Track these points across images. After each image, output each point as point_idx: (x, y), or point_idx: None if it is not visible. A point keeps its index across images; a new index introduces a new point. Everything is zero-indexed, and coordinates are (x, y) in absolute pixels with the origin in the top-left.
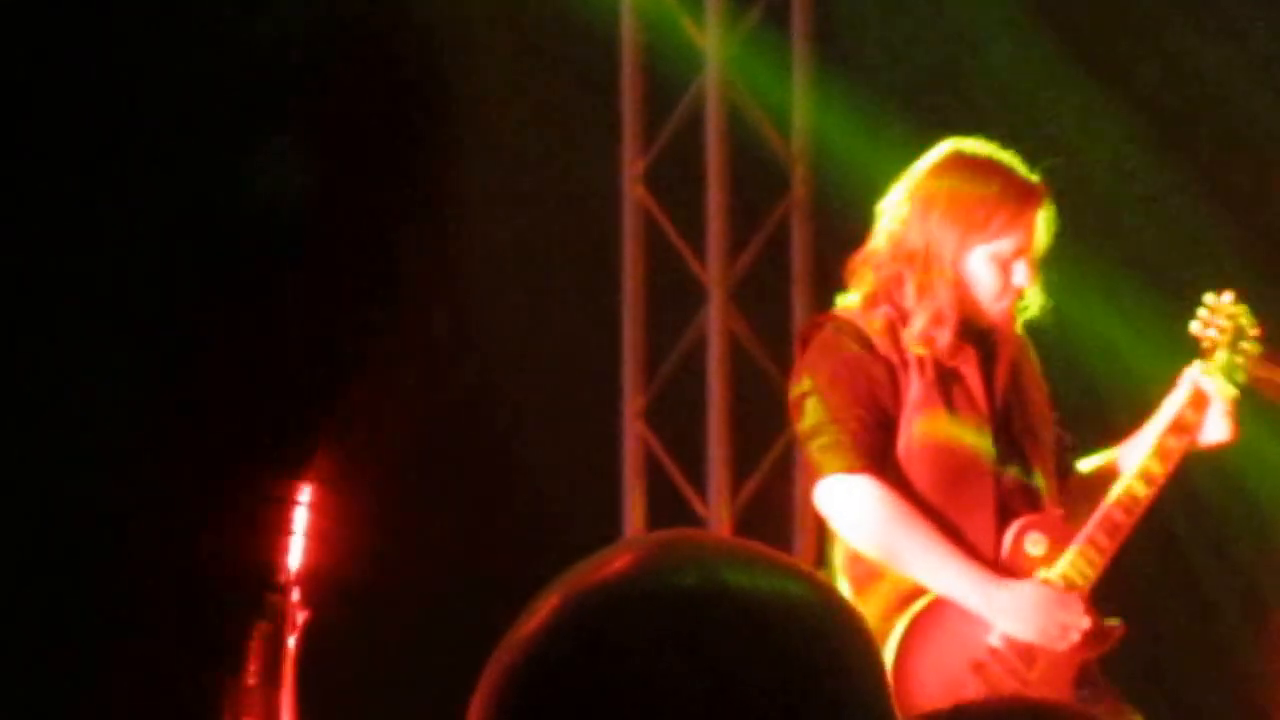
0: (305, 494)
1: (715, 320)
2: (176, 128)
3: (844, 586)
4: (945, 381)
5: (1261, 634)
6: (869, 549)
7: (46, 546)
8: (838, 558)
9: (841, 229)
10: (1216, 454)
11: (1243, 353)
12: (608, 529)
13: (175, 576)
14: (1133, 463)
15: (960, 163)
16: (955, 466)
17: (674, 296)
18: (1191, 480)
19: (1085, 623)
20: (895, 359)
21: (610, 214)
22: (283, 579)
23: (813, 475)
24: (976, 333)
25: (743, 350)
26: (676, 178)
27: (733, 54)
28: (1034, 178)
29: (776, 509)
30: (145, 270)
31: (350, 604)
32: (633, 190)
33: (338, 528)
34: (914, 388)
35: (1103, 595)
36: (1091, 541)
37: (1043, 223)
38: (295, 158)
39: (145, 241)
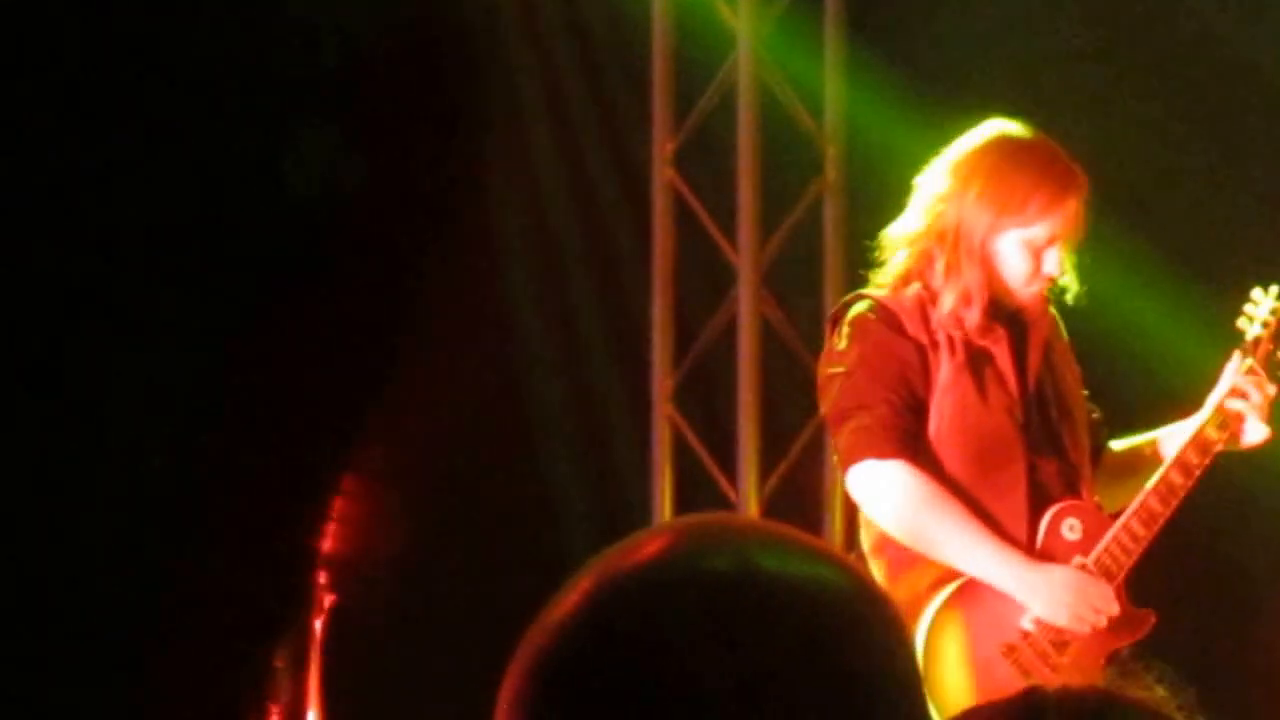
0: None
1: (745, 303)
2: (228, 120)
3: (877, 569)
4: (976, 362)
5: None
6: (900, 534)
7: (132, 517)
8: (869, 541)
9: (873, 211)
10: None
11: None
12: (637, 511)
13: (244, 556)
14: (1172, 451)
15: (1002, 144)
16: (987, 448)
17: (704, 279)
18: (1233, 473)
19: (1115, 608)
20: (925, 339)
21: (641, 195)
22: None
23: (842, 458)
24: (1007, 313)
25: (773, 333)
26: (707, 159)
27: (764, 34)
28: (1075, 166)
29: (806, 492)
30: (204, 260)
31: (380, 588)
32: (663, 172)
33: (367, 510)
34: (944, 369)
35: (1138, 584)
36: (1127, 529)
37: (1080, 214)
38: (342, 148)
39: (204, 234)
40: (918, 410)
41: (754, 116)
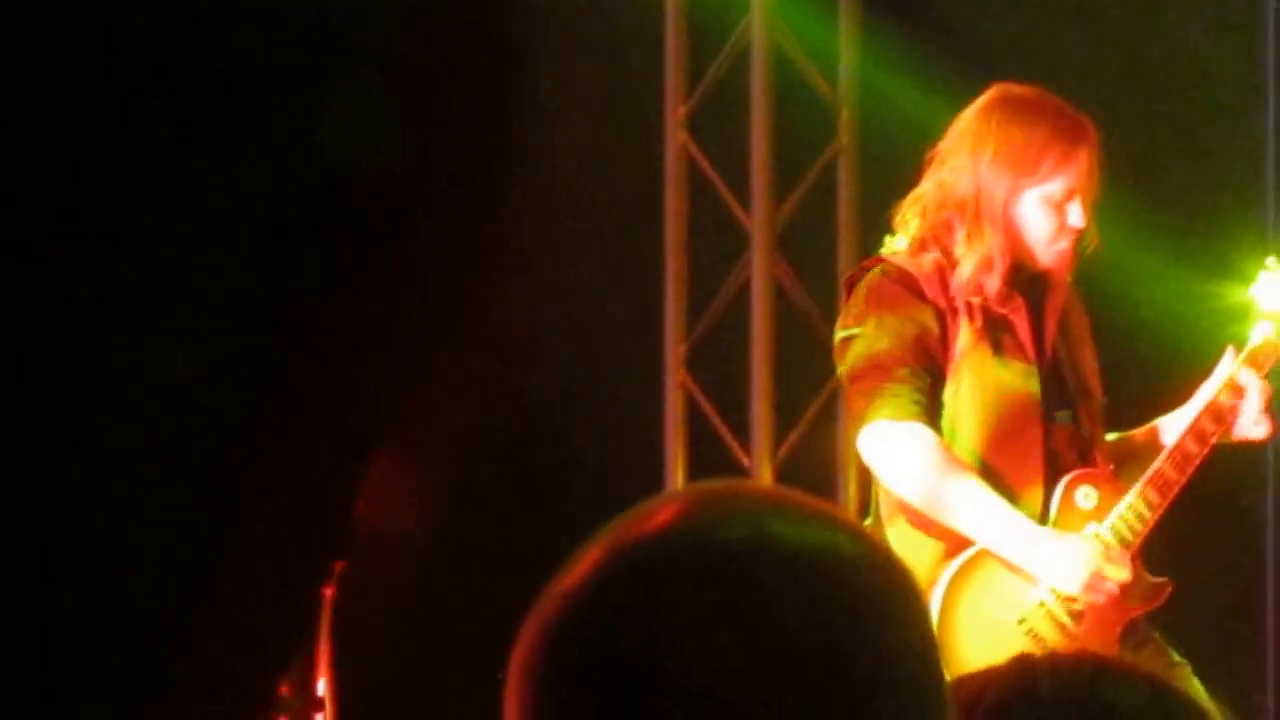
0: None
1: (759, 267)
2: (266, 74)
3: (891, 536)
4: (994, 329)
5: None
6: (913, 497)
7: (177, 488)
8: (883, 507)
9: (887, 175)
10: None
11: None
12: (650, 477)
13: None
14: (1186, 419)
15: (1008, 105)
16: (1003, 415)
17: (717, 243)
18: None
19: (1129, 577)
20: (944, 305)
21: (654, 159)
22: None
23: (856, 422)
24: (1027, 280)
25: (786, 298)
26: (720, 123)
27: None
28: (1083, 117)
29: (820, 458)
30: (247, 227)
31: (394, 558)
32: (676, 135)
33: (382, 478)
34: (962, 335)
35: (1154, 554)
36: (1142, 497)
37: (1094, 163)
38: (385, 114)
39: (246, 200)
40: (934, 375)
41: (767, 80)
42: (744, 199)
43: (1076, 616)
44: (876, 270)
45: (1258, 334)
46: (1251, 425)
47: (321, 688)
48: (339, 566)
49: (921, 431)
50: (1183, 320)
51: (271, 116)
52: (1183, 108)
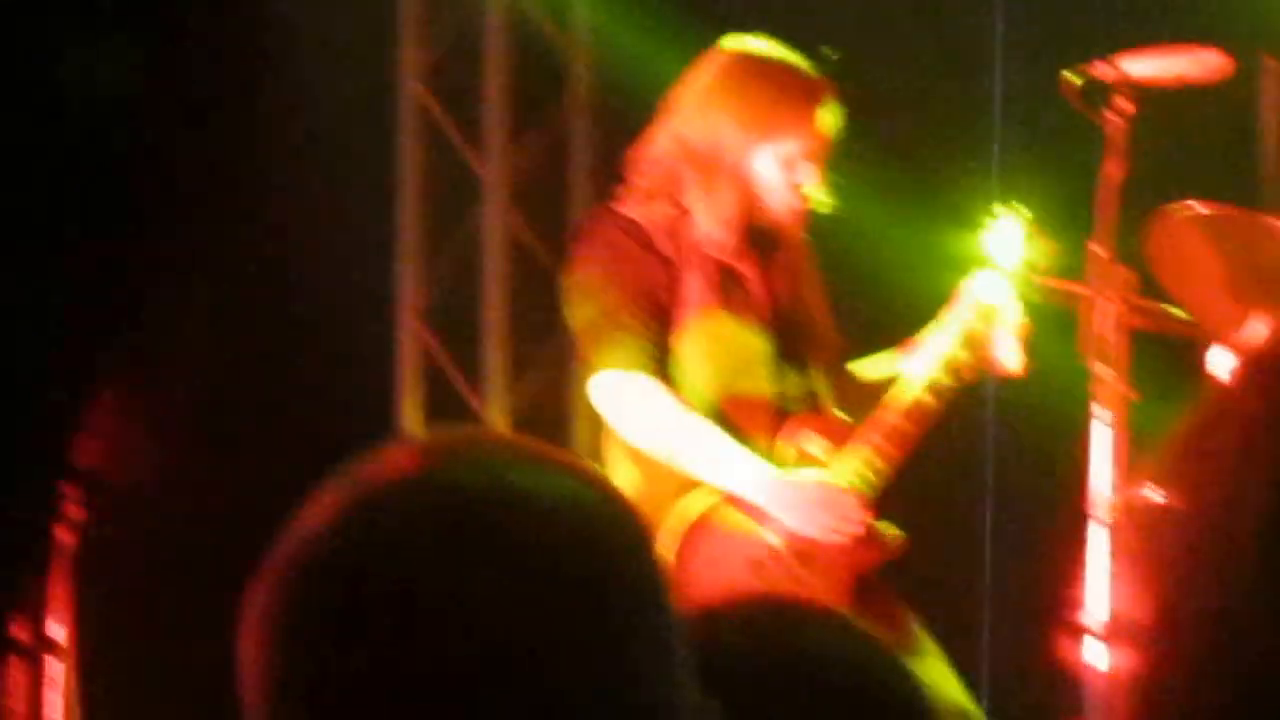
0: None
1: (493, 217)
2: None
3: (622, 483)
4: (725, 281)
5: (1045, 556)
6: (646, 445)
7: None
8: (614, 454)
9: (621, 126)
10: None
11: (1031, 265)
12: (385, 427)
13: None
14: (920, 372)
15: (745, 60)
16: (733, 365)
17: (452, 192)
18: (983, 385)
19: (864, 521)
20: (673, 256)
21: (391, 108)
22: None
23: (587, 371)
24: (759, 233)
25: (521, 248)
26: (456, 74)
27: None
28: (817, 75)
29: (553, 407)
30: None
31: (129, 505)
32: (412, 87)
33: (119, 428)
34: (693, 286)
35: (889, 506)
36: (876, 449)
37: (828, 122)
38: (124, 47)
39: None
40: (664, 324)
41: (502, 32)
42: (479, 150)
43: (807, 561)
44: (607, 219)
45: (980, 282)
46: (1006, 357)
47: (59, 634)
48: (75, 513)
49: (650, 381)
50: (914, 270)
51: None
52: (917, 60)
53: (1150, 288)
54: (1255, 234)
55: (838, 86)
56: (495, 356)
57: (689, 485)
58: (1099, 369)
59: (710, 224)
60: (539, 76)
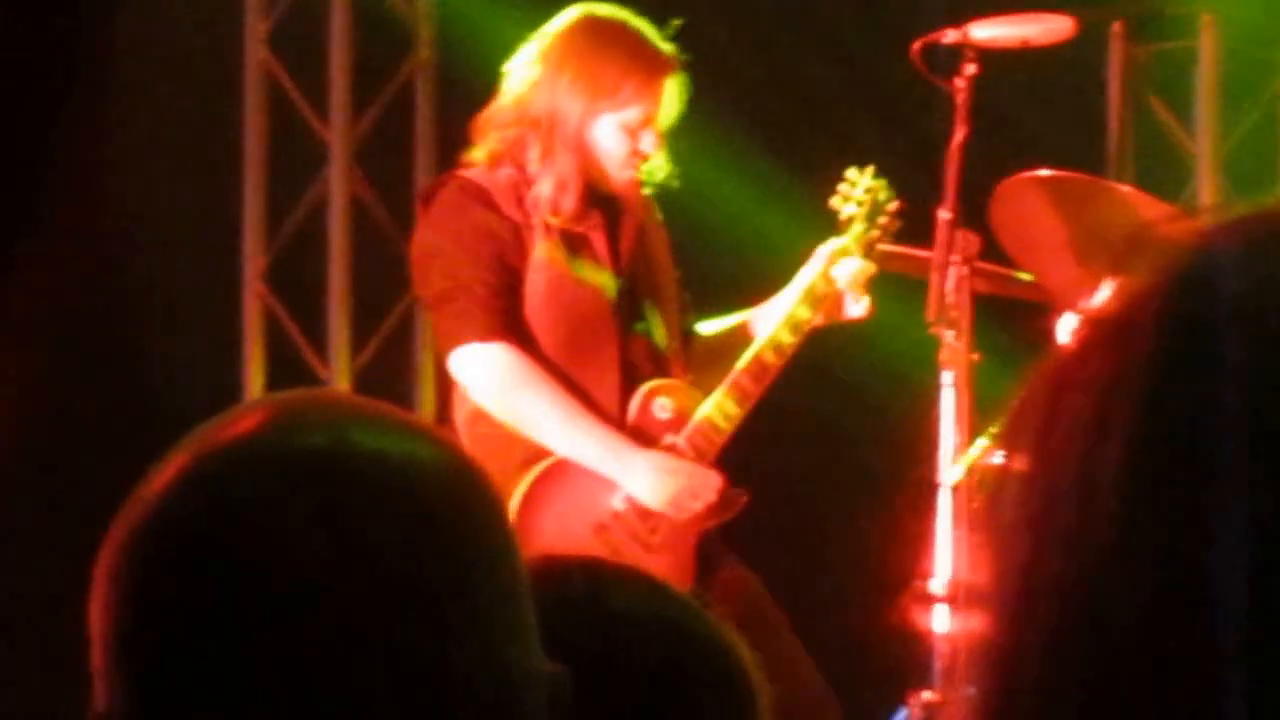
0: None
1: (337, 182)
2: None
3: (469, 445)
4: (571, 245)
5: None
6: (502, 415)
7: None
8: (461, 418)
9: (465, 91)
10: (852, 327)
11: (880, 227)
12: (228, 388)
13: None
14: (764, 331)
15: (591, 28)
16: (580, 328)
17: (296, 157)
18: (826, 353)
19: (714, 496)
20: (519, 219)
21: (235, 73)
22: None
23: (442, 342)
24: (603, 197)
25: (365, 212)
26: (300, 38)
27: None
28: (666, 46)
29: (397, 370)
30: None
31: None
32: (256, 51)
33: None
34: (538, 250)
35: (730, 466)
36: (719, 408)
37: (672, 92)
38: None
39: None
40: (513, 289)
41: None
42: (323, 114)
43: (651, 526)
44: (452, 185)
45: (828, 245)
46: (851, 306)
47: None
48: None
49: (505, 349)
50: (765, 231)
51: None
52: (764, 17)
53: (994, 252)
54: (1099, 198)
55: (686, 55)
56: (339, 321)
57: (537, 453)
58: (944, 333)
59: (554, 189)
60: (383, 42)
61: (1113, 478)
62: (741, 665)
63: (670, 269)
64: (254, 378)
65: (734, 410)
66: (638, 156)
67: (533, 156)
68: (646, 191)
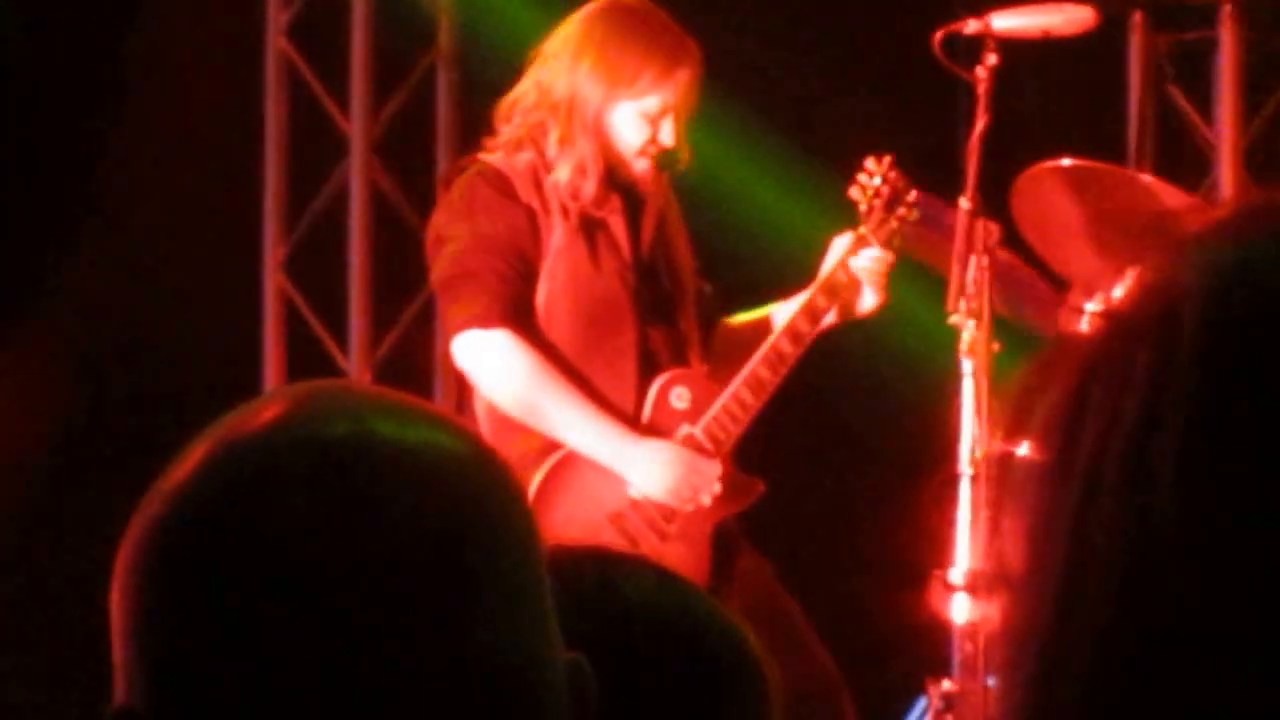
0: None
1: (357, 172)
2: None
3: (488, 433)
4: (589, 230)
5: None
6: (508, 405)
7: None
8: (478, 405)
9: (486, 82)
10: (873, 319)
11: (899, 217)
12: (248, 381)
13: None
14: (782, 320)
15: (613, 15)
16: (598, 316)
17: (317, 148)
18: (848, 342)
19: (717, 486)
20: (537, 205)
21: (256, 63)
22: None
23: (450, 328)
24: (623, 184)
25: (385, 202)
26: (321, 28)
27: None
28: (688, 37)
29: (418, 360)
30: None
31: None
32: (276, 40)
33: None
34: (556, 234)
35: (750, 455)
36: (736, 398)
37: (692, 83)
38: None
39: None
40: (528, 278)
41: None
42: (344, 104)
43: (668, 516)
44: (472, 170)
45: (848, 237)
46: (866, 297)
47: None
48: None
49: (511, 338)
50: (785, 220)
51: None
52: (783, 6)
53: (1016, 242)
54: (1120, 188)
55: (705, 46)
56: (359, 311)
57: (553, 442)
58: (964, 323)
59: (573, 174)
60: (404, 32)
61: (1173, 469)
62: (752, 655)
63: (689, 259)
64: (274, 368)
65: (751, 400)
66: (655, 145)
67: (552, 140)
68: (666, 181)
